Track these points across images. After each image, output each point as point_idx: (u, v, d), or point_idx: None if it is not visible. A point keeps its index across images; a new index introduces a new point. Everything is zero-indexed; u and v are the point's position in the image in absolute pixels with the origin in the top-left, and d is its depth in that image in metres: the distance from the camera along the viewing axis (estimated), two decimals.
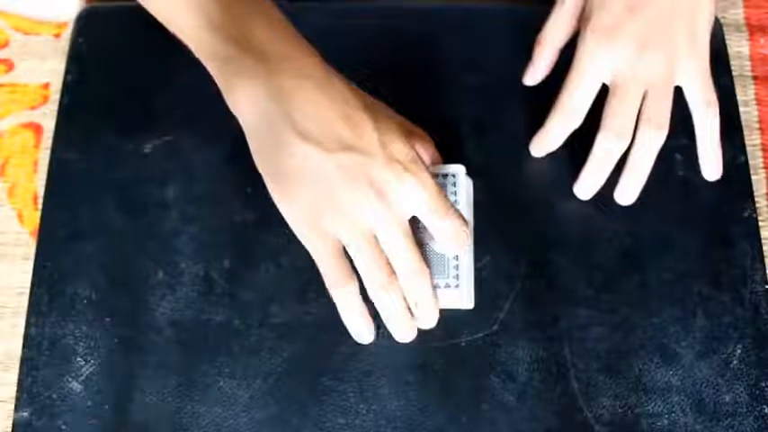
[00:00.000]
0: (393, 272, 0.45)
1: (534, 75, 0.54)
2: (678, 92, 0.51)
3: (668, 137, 0.50)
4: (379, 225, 0.43)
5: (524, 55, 0.55)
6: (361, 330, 0.47)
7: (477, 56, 0.57)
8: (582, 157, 0.51)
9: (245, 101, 0.43)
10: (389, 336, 0.49)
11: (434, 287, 0.46)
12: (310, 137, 0.42)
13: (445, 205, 0.44)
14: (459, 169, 0.50)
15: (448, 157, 0.51)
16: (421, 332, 0.48)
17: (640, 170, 0.50)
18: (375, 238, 0.44)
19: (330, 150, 0.42)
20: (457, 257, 0.48)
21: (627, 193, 0.51)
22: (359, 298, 0.46)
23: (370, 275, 0.44)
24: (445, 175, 0.49)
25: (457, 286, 0.48)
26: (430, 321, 0.47)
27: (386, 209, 0.43)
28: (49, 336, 0.50)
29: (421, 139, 0.50)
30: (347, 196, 0.42)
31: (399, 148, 0.43)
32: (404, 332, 0.47)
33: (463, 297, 0.48)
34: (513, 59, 0.56)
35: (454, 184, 0.49)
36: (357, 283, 0.45)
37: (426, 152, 0.49)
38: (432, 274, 0.46)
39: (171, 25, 0.45)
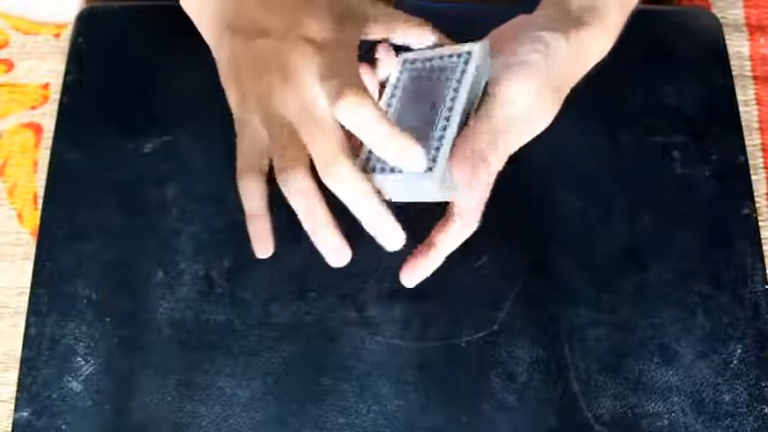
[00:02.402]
0: (300, 160, 0.40)
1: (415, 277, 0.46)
2: (678, 92, 0.51)
3: (667, 135, 0.50)
4: (287, 111, 0.40)
5: None
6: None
7: None
8: (582, 157, 0.51)
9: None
10: (389, 336, 0.49)
11: (396, 171, 0.40)
12: (236, 28, 0.42)
13: (358, 96, 0.38)
14: (475, 48, 0.43)
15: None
16: (421, 332, 0.48)
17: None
18: (291, 124, 0.41)
19: (249, 38, 0.42)
20: (442, 133, 0.41)
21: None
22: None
23: (276, 166, 0.41)
24: (459, 55, 0.43)
25: (429, 170, 0.40)
26: (378, 225, 0.41)
27: (291, 93, 0.40)
28: (49, 336, 0.50)
29: (382, 20, 0.45)
30: (260, 84, 0.41)
31: (317, 27, 0.41)
32: (327, 241, 0.42)
33: (435, 184, 0.40)
34: None
35: (465, 66, 0.42)
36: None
37: (399, 35, 0.45)
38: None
39: None
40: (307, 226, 0.42)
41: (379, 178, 0.41)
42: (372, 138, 0.39)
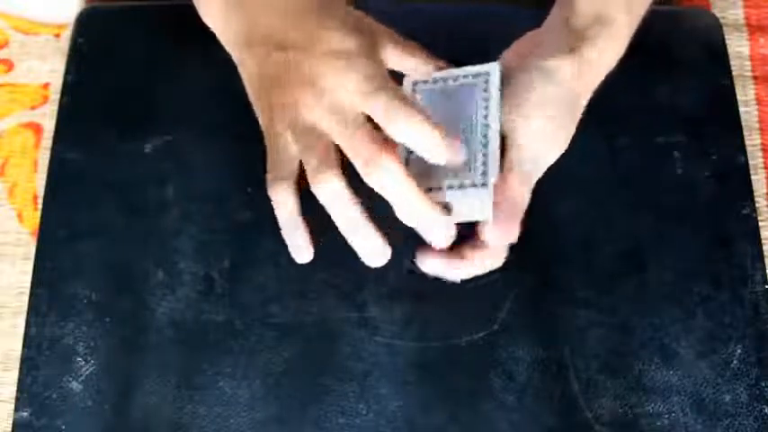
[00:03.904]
0: (333, 165, 0.41)
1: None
2: (678, 92, 0.51)
3: (667, 135, 0.50)
4: (318, 120, 0.41)
5: None
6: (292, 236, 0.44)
7: (478, 56, 0.57)
8: (582, 157, 0.51)
9: (215, 13, 0.44)
10: (389, 336, 0.49)
11: (450, 188, 0.42)
12: (257, 43, 0.43)
13: (399, 106, 0.40)
14: (492, 68, 0.45)
15: None
16: (421, 332, 0.48)
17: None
18: (323, 133, 0.42)
19: (270, 53, 0.42)
20: (485, 150, 0.43)
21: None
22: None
23: (309, 174, 0.42)
24: (476, 75, 0.45)
25: (483, 185, 0.42)
26: (428, 219, 0.42)
27: (321, 103, 0.41)
28: (49, 336, 0.50)
29: (391, 42, 0.46)
30: (286, 97, 0.42)
31: (338, 39, 0.42)
32: (367, 242, 0.43)
33: (488, 198, 0.43)
34: None
35: (486, 86, 0.44)
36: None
37: (403, 57, 0.46)
38: (454, 175, 0.43)
39: None
40: (344, 229, 0.43)
41: (430, 197, 0.42)
42: (419, 139, 0.40)
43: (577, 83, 0.45)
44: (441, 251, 0.45)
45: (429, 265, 0.46)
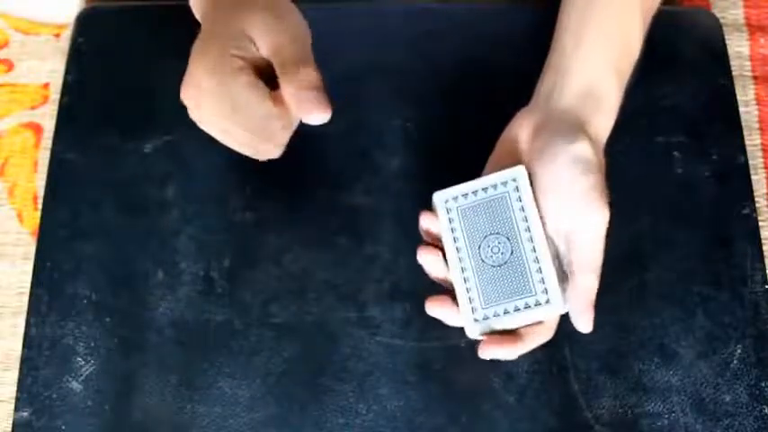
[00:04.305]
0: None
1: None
2: (678, 92, 0.51)
3: (667, 135, 0.50)
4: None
5: (525, 54, 0.55)
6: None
7: (478, 55, 0.57)
8: None
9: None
10: (389, 336, 0.49)
11: (517, 310, 0.43)
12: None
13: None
14: (519, 172, 0.44)
15: (450, 156, 0.51)
16: (421, 332, 0.48)
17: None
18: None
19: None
20: (538, 264, 0.43)
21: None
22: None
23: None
24: (504, 183, 0.45)
25: (548, 302, 0.43)
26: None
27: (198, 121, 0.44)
28: (49, 336, 0.50)
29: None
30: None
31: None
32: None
33: (557, 307, 0.43)
34: (513, 59, 0.56)
35: (518, 193, 0.44)
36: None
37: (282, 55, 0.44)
38: (516, 296, 0.43)
39: None
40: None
41: (505, 320, 0.43)
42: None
43: (597, 157, 0.44)
44: (497, 342, 0.44)
45: (489, 352, 0.44)
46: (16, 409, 0.48)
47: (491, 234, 0.44)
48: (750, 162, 0.54)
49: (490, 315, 0.43)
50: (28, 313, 0.50)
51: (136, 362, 0.49)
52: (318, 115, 0.42)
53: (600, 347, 0.49)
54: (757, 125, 0.57)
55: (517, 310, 0.43)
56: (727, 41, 0.58)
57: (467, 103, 0.56)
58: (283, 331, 0.50)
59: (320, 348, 0.49)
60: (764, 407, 0.48)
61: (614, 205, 0.52)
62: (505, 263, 0.44)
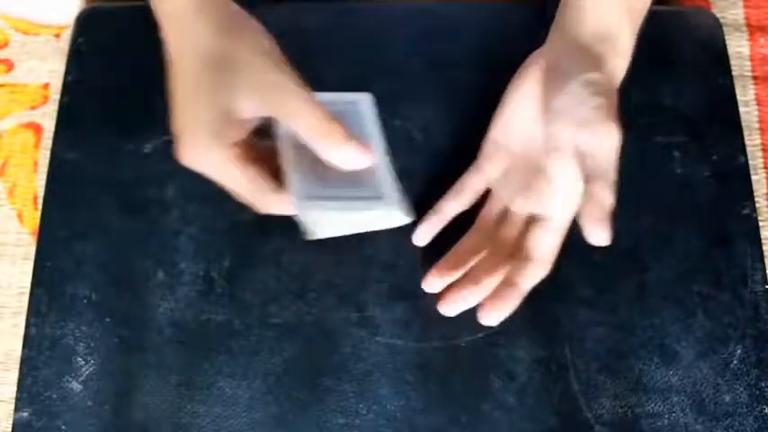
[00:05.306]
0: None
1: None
2: (678, 92, 0.51)
3: (668, 135, 0.50)
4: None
5: (525, 53, 0.55)
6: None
7: (479, 55, 0.57)
8: None
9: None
10: (389, 336, 0.49)
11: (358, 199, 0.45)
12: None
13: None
14: (360, 97, 0.49)
15: (450, 156, 0.51)
16: (421, 332, 0.48)
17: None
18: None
19: None
20: (379, 171, 0.46)
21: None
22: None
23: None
24: (347, 103, 0.48)
25: (380, 198, 0.45)
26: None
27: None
28: (49, 336, 0.50)
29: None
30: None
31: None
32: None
33: (392, 209, 0.46)
34: (514, 58, 0.56)
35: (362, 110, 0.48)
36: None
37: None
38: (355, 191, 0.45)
39: None
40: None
41: (332, 205, 0.45)
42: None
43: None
44: (493, 300, 0.46)
45: (491, 317, 0.46)
46: (16, 409, 0.48)
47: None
48: (750, 162, 0.54)
49: (318, 195, 0.44)
50: (28, 313, 0.50)
51: (136, 362, 0.49)
52: (365, 160, 0.44)
53: (600, 347, 0.49)
54: (757, 125, 0.57)
55: (349, 198, 0.45)
56: (727, 41, 0.58)
57: (467, 103, 0.56)
58: (283, 331, 0.50)
59: (320, 348, 0.49)
60: (764, 407, 0.48)
61: (614, 205, 0.52)
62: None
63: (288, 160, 0.45)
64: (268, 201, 0.45)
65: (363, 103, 0.49)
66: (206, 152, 0.44)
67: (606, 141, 0.43)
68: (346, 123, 0.44)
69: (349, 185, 0.45)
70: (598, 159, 0.43)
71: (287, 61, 0.45)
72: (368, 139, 0.47)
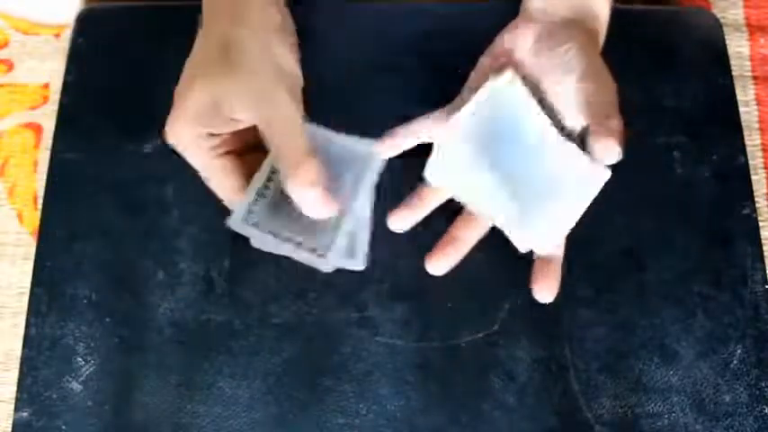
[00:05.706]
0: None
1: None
2: (678, 92, 0.51)
3: (667, 135, 0.50)
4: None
5: None
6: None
7: (478, 55, 0.57)
8: None
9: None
10: (389, 336, 0.49)
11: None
12: None
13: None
14: (374, 154, 0.47)
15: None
16: (421, 332, 0.48)
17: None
18: None
19: None
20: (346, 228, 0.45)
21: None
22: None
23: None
24: (355, 154, 0.47)
25: (321, 256, 0.45)
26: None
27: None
28: (49, 336, 0.50)
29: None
30: None
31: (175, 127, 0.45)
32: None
33: (326, 268, 0.46)
34: None
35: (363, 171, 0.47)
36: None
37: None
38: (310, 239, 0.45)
39: None
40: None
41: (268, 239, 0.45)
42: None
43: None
44: (441, 249, 0.48)
45: (439, 266, 0.48)
46: (16, 409, 0.48)
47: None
48: (750, 162, 0.54)
49: (258, 224, 0.45)
50: (28, 313, 0.50)
51: (136, 362, 0.49)
52: (322, 212, 0.43)
53: (600, 347, 0.49)
54: (757, 125, 0.57)
55: (287, 240, 0.45)
56: (727, 41, 0.58)
57: None
58: (283, 331, 0.50)
59: (320, 348, 0.49)
60: (764, 407, 0.48)
61: (614, 205, 0.52)
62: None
63: (257, 177, 0.45)
64: (228, 197, 0.46)
65: (371, 158, 0.47)
66: (182, 129, 0.44)
67: (600, 80, 0.46)
68: (341, 170, 0.44)
69: (299, 228, 0.45)
70: (592, 95, 0.46)
71: (299, 75, 0.45)
72: (356, 192, 0.46)
